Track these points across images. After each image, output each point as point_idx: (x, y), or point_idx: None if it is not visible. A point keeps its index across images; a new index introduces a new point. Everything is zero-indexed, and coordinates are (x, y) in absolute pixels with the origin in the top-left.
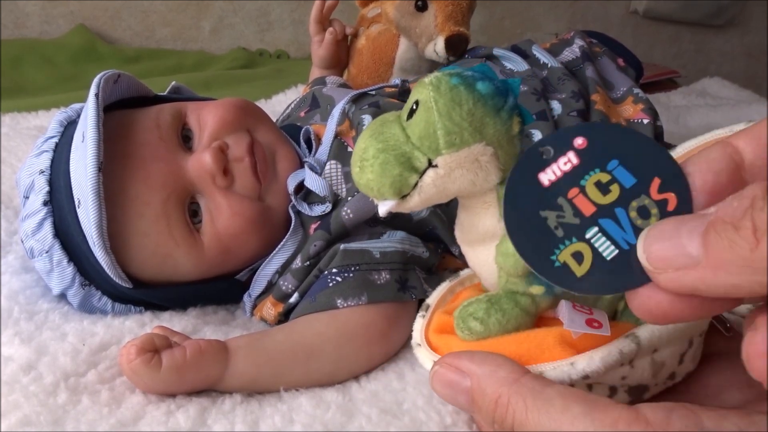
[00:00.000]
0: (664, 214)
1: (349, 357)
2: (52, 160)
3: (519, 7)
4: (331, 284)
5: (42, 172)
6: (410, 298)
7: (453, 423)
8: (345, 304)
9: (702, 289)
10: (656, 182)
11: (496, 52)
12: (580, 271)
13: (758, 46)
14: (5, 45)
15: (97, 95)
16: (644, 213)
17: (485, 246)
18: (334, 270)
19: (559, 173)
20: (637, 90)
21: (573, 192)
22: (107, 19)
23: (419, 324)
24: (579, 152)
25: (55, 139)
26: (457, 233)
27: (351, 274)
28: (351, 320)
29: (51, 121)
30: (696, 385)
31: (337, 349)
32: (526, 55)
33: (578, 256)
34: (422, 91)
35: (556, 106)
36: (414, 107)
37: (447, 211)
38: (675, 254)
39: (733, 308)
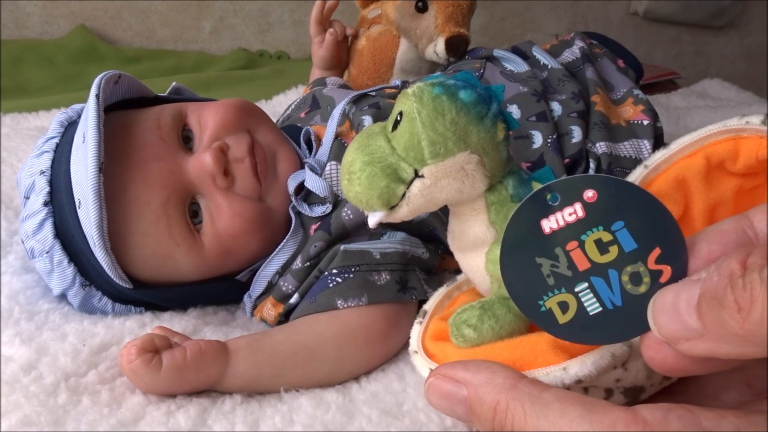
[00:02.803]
0: (654, 284)
1: (349, 357)
2: (53, 161)
3: (519, 8)
4: (331, 285)
5: (42, 172)
6: (410, 299)
7: (453, 425)
8: (345, 305)
9: (716, 356)
10: (656, 252)
11: (497, 53)
12: (562, 319)
13: (758, 48)
14: (6, 45)
15: (97, 96)
16: (636, 280)
17: (476, 252)
18: (335, 270)
19: (562, 223)
20: (637, 91)
21: (572, 245)
22: (108, 19)
23: (416, 331)
24: (587, 206)
25: (56, 140)
26: (449, 240)
27: (351, 275)
28: (351, 321)
29: (51, 121)
30: (694, 385)
31: (338, 349)
32: (526, 56)
33: (563, 306)
34: (405, 102)
35: (556, 107)
36: (398, 118)
37: (447, 213)
38: (679, 328)
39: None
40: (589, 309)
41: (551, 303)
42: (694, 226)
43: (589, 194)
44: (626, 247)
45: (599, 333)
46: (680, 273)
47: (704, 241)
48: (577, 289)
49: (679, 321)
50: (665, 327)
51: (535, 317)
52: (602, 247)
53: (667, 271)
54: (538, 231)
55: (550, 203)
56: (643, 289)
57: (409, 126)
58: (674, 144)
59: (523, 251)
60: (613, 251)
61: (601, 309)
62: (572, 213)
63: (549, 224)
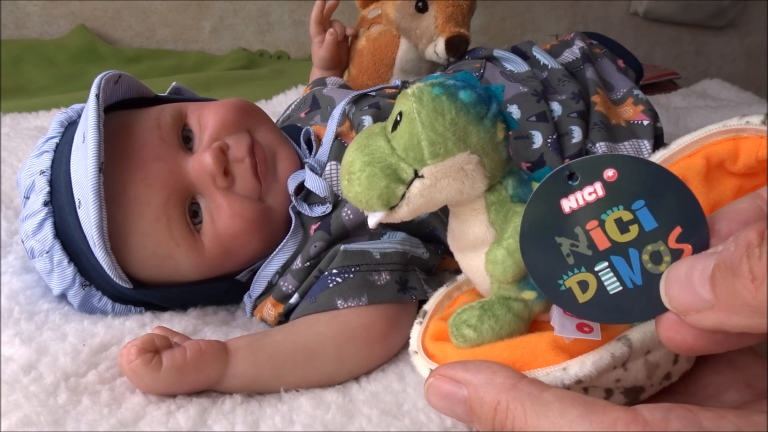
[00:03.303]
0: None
1: (349, 357)
2: (53, 161)
3: (519, 8)
4: (331, 285)
5: (42, 172)
6: (410, 299)
7: (453, 425)
8: (345, 305)
9: (724, 328)
10: (677, 231)
11: (497, 53)
12: (582, 298)
13: (758, 48)
14: (6, 45)
15: (97, 96)
16: (657, 259)
17: (476, 253)
18: (335, 270)
19: (581, 202)
20: (637, 91)
21: (591, 224)
22: (108, 19)
23: (416, 331)
24: (607, 185)
25: (56, 140)
26: (449, 240)
27: (351, 275)
28: (351, 321)
29: (51, 121)
30: (694, 386)
31: (338, 349)
32: (526, 56)
33: (583, 285)
34: (405, 103)
35: (557, 108)
36: (398, 119)
37: (447, 213)
38: (691, 299)
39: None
40: (609, 288)
41: (571, 282)
42: None
43: (610, 173)
44: (647, 226)
45: (619, 312)
46: (701, 250)
47: (724, 220)
48: (597, 268)
49: (691, 292)
50: (677, 298)
51: (555, 296)
52: (623, 226)
53: (687, 250)
54: (557, 211)
55: (570, 183)
56: (663, 267)
57: (408, 126)
58: (674, 144)
59: (542, 231)
60: (634, 230)
61: (621, 288)
62: (592, 192)
63: (569, 204)
